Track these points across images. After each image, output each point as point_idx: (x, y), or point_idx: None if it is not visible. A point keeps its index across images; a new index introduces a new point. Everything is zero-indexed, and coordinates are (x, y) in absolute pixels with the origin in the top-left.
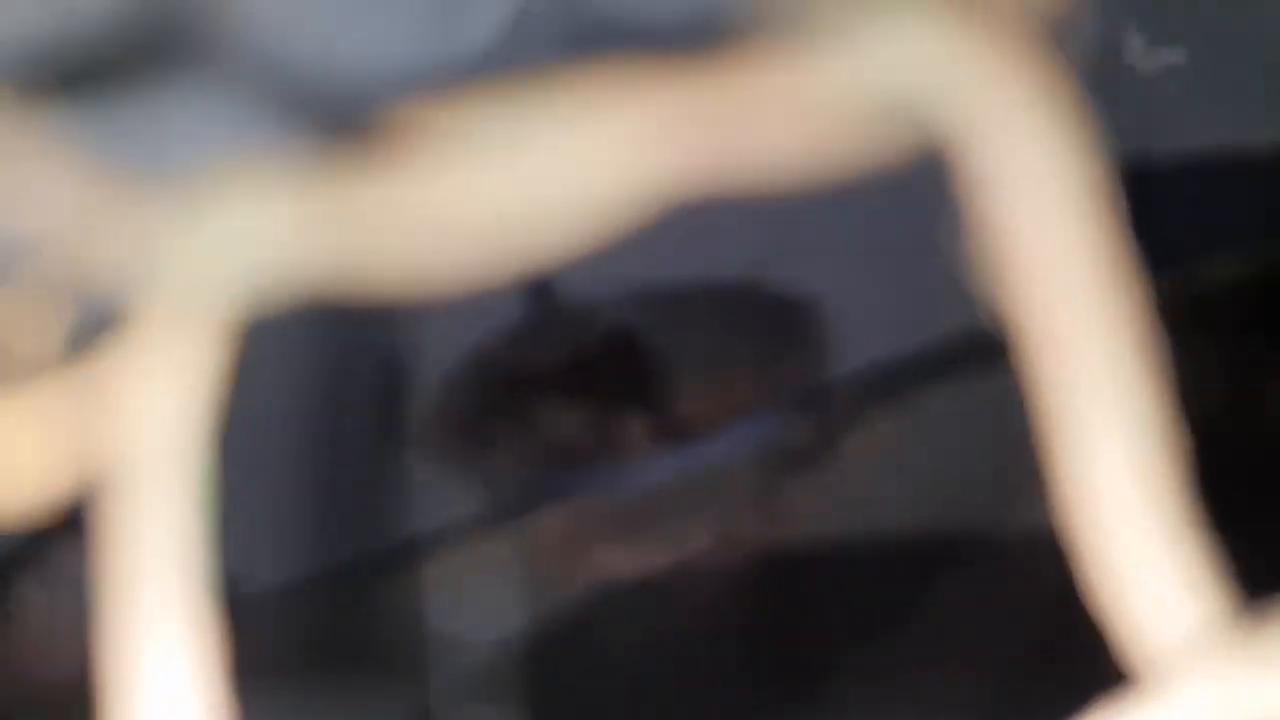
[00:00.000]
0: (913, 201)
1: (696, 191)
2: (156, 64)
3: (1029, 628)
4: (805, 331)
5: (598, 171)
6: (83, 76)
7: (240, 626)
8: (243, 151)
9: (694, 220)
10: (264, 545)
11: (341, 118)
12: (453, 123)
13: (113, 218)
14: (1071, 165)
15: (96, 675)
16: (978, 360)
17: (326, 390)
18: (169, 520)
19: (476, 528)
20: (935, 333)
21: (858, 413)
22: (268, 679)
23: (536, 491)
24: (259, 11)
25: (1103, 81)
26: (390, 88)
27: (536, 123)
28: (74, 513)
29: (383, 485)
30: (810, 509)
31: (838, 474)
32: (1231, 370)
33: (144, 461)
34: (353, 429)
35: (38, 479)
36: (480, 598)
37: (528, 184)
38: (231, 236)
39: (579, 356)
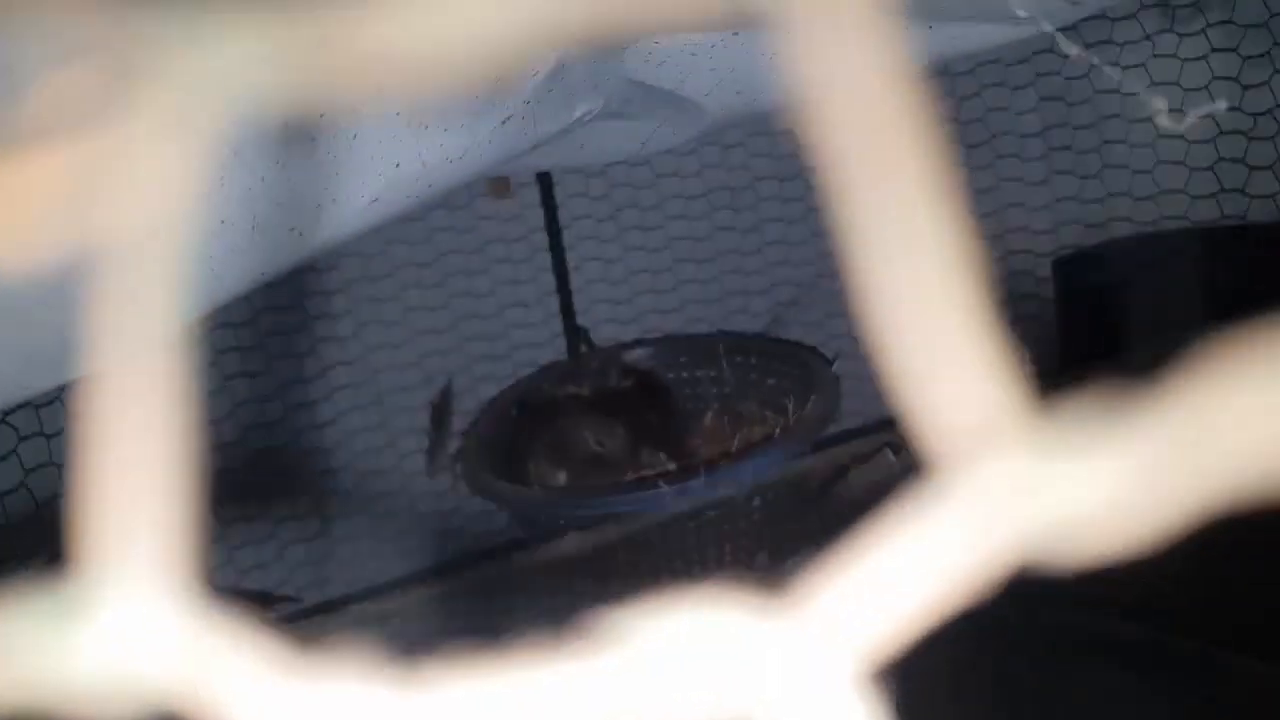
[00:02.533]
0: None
1: (591, 35)
2: None
3: None
4: (816, 378)
5: (504, 9)
6: None
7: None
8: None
9: (714, 279)
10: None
11: None
12: None
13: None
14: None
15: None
16: None
17: None
18: (155, 296)
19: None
20: None
21: (865, 451)
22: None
23: (563, 514)
24: None
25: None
26: None
27: None
28: None
29: None
30: (817, 541)
31: (844, 508)
32: None
33: (133, 236)
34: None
35: (36, 234)
36: None
37: (450, 18)
38: (215, 52)
39: (607, 393)
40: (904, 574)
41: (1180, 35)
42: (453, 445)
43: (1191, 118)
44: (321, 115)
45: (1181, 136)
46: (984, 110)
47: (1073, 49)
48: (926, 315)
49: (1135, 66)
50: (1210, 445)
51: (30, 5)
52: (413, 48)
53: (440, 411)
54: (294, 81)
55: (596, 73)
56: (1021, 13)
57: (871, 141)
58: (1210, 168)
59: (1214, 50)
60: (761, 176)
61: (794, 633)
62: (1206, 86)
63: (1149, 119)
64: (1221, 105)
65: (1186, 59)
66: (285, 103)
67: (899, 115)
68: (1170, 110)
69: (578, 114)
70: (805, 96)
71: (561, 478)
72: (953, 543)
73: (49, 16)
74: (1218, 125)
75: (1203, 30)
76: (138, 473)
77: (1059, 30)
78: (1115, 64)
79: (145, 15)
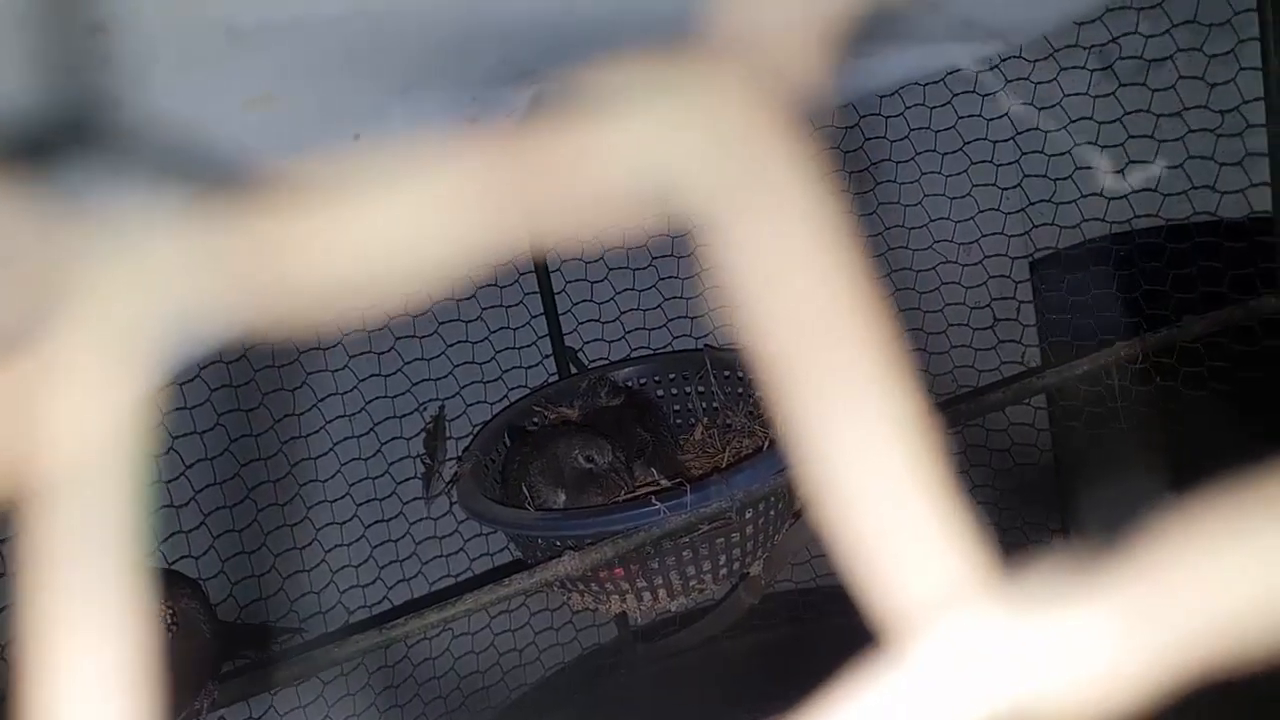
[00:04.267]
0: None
1: (512, 250)
2: (78, 144)
3: None
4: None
5: (431, 225)
6: (13, 150)
7: None
8: (157, 208)
9: (698, 295)
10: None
11: (228, 177)
12: (320, 180)
13: (42, 258)
14: (821, 238)
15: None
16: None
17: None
18: (97, 530)
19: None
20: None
21: None
22: None
23: (560, 535)
24: (156, 100)
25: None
26: (271, 154)
27: (382, 182)
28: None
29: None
30: (808, 549)
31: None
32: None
33: (70, 473)
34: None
35: None
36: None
37: (376, 233)
38: (143, 276)
39: (597, 411)
40: None
41: (1146, 37)
42: (448, 470)
43: (1135, 177)
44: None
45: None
46: (955, 117)
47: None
48: (879, 481)
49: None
50: (1185, 606)
51: None
52: (349, 255)
53: (434, 437)
54: (231, 293)
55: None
56: (993, 27)
57: (808, 322)
58: (1180, 165)
59: (1180, 50)
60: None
61: None
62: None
63: (1119, 119)
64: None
65: (1152, 60)
66: (224, 313)
67: (837, 288)
68: (1113, 171)
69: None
70: (741, 295)
71: (561, 498)
72: (917, 711)
73: None
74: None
75: (1167, 31)
76: (89, 673)
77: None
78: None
79: (69, 221)
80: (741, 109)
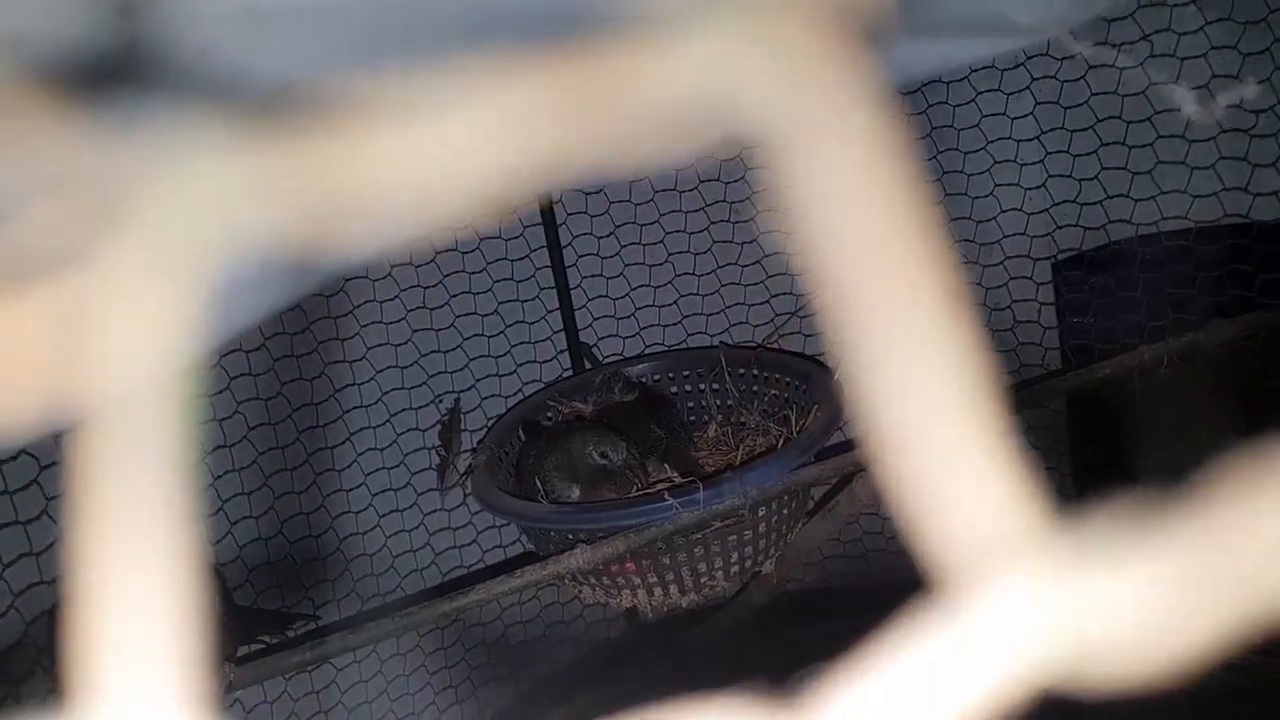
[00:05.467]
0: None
1: (563, 174)
2: (118, 68)
3: None
4: (818, 388)
5: (481, 146)
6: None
7: None
8: (204, 131)
9: (714, 291)
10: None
11: (276, 97)
12: (367, 98)
13: (96, 181)
14: (879, 160)
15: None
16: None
17: None
18: (146, 454)
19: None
20: None
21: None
22: None
23: (573, 529)
24: (204, 31)
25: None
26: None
27: (432, 103)
28: None
29: None
30: (821, 549)
31: (846, 517)
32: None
33: (119, 391)
34: None
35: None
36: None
37: (426, 152)
38: (194, 194)
39: (611, 407)
40: (916, 695)
41: (1178, 34)
42: (462, 462)
43: (1220, 105)
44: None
45: (1216, 132)
46: (979, 116)
47: (1081, 47)
48: (936, 426)
49: (1135, 68)
50: (1242, 562)
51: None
52: (402, 178)
53: (449, 430)
54: (282, 213)
55: None
56: (1024, 21)
57: (875, 255)
58: (1211, 166)
59: (1213, 48)
60: (759, 188)
61: None
62: (1207, 85)
63: (1148, 120)
64: (1251, 88)
65: (1185, 57)
66: (275, 234)
67: (903, 224)
68: (1197, 95)
69: None
70: (809, 218)
71: (575, 492)
72: (968, 663)
73: (18, 147)
74: (1219, 125)
75: (1201, 29)
76: (139, 596)
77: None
78: (1115, 64)
79: (122, 146)
80: (809, 29)
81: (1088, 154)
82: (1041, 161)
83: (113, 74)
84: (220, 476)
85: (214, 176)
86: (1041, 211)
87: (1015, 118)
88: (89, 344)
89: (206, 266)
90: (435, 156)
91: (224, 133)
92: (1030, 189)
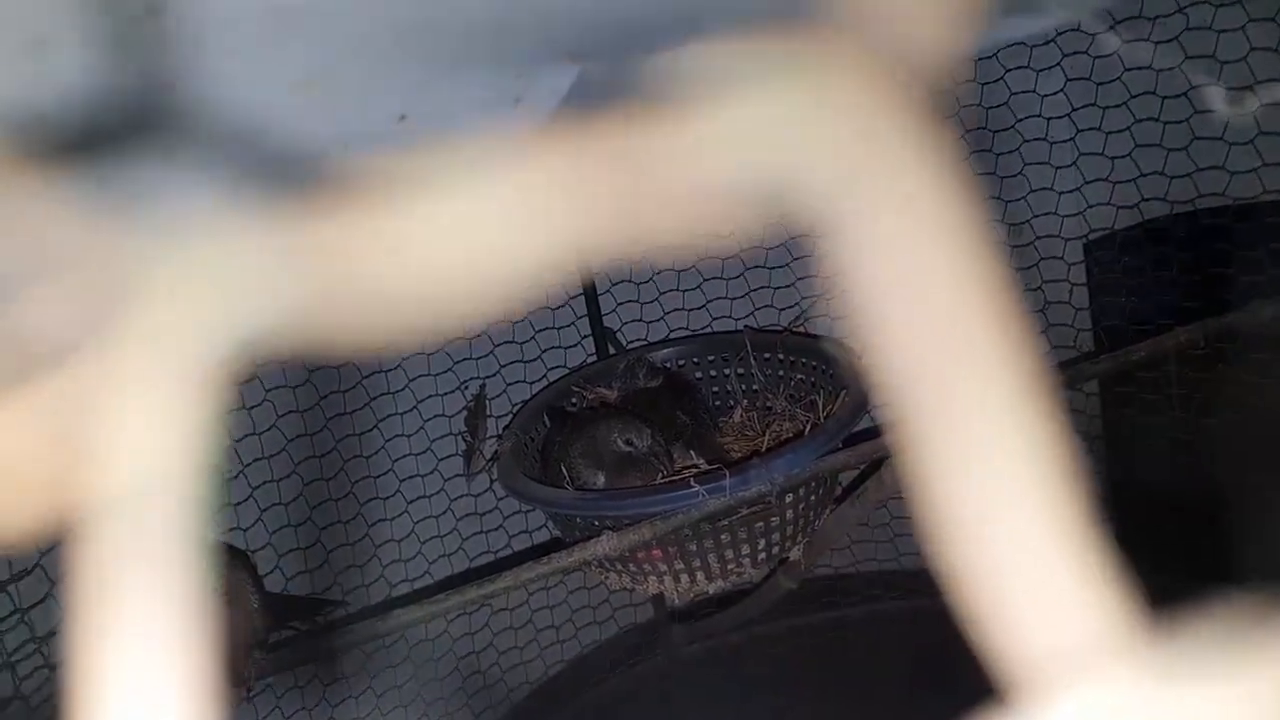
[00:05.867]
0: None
1: (601, 255)
2: (134, 133)
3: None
4: (845, 373)
5: (517, 226)
6: (71, 144)
7: None
8: (216, 207)
9: (739, 275)
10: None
11: (299, 173)
12: (398, 174)
13: (100, 262)
14: (948, 227)
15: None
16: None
17: None
18: (158, 549)
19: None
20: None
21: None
22: None
23: (599, 515)
24: (226, 88)
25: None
26: (340, 147)
27: (456, 176)
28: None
29: None
30: (849, 535)
31: (872, 505)
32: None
33: (128, 490)
34: None
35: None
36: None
37: (448, 234)
38: (210, 279)
39: (635, 393)
40: None
41: (1215, 5)
42: (488, 448)
43: (1257, 101)
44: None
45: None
46: (1007, 94)
47: (1112, 39)
48: (1015, 522)
49: (1169, 42)
50: None
51: (4, 215)
52: (422, 261)
53: (475, 416)
54: (302, 302)
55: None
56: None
57: (944, 341)
58: (1250, 142)
59: (1251, 20)
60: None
61: None
62: (1244, 58)
63: (1184, 94)
64: None
65: (1223, 30)
66: (294, 324)
67: (974, 303)
68: (1230, 92)
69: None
70: (871, 298)
71: (600, 479)
72: None
73: (19, 224)
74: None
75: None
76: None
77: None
78: (1147, 39)
79: (127, 230)
80: (867, 91)
81: (1120, 130)
82: (1073, 139)
83: (114, 131)
84: (250, 464)
85: (224, 258)
86: (1073, 190)
87: (1045, 95)
88: (94, 440)
89: (217, 353)
90: (458, 239)
91: (235, 211)
92: (1061, 167)
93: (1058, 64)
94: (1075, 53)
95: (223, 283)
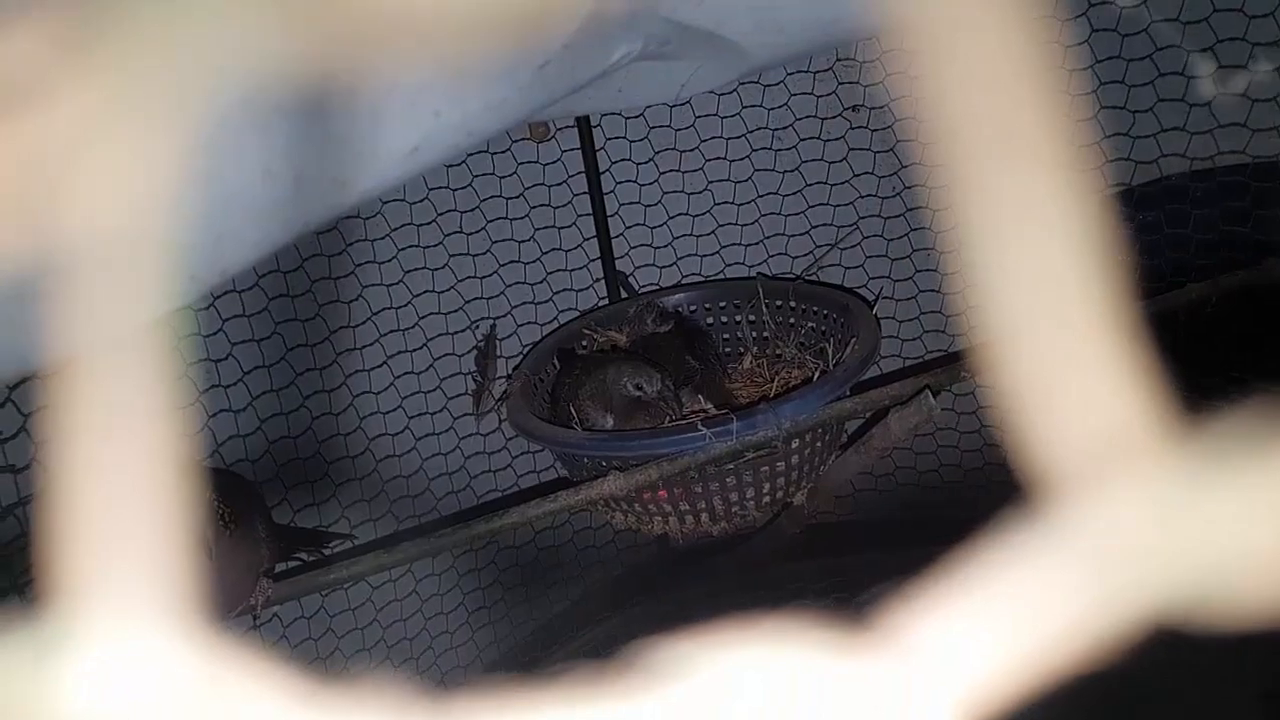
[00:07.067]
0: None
1: None
2: None
3: None
4: (855, 321)
5: None
6: None
7: None
8: None
9: (754, 221)
10: None
11: None
12: None
13: None
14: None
15: None
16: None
17: None
18: (127, 291)
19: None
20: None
21: (904, 395)
22: None
23: (606, 456)
24: None
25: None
26: None
27: None
28: None
29: None
30: (853, 482)
31: (879, 449)
32: None
33: (94, 244)
34: None
35: None
36: None
37: None
38: (204, 18)
39: (646, 337)
40: (1013, 616)
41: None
42: (498, 388)
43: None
44: (333, 82)
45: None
46: None
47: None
48: (1050, 318)
49: None
50: None
51: None
52: (429, 4)
53: (485, 355)
54: (299, 47)
55: (634, 13)
56: None
57: (994, 121)
58: (1273, 99)
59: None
60: (802, 116)
61: (881, 677)
62: (1272, 12)
63: (1209, 49)
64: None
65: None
66: (291, 70)
67: (1023, 85)
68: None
69: (616, 57)
70: (923, 75)
71: (609, 422)
72: (1073, 584)
73: None
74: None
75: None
76: (120, 492)
77: None
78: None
79: None
80: None
81: (1144, 84)
82: (1095, 92)
83: None
84: (259, 396)
85: (219, 11)
86: (1090, 145)
87: (1067, 46)
88: (59, 189)
89: (196, 102)
90: None
91: None
92: (1080, 121)
93: (1084, 13)
94: (1100, 2)
95: (204, 14)
